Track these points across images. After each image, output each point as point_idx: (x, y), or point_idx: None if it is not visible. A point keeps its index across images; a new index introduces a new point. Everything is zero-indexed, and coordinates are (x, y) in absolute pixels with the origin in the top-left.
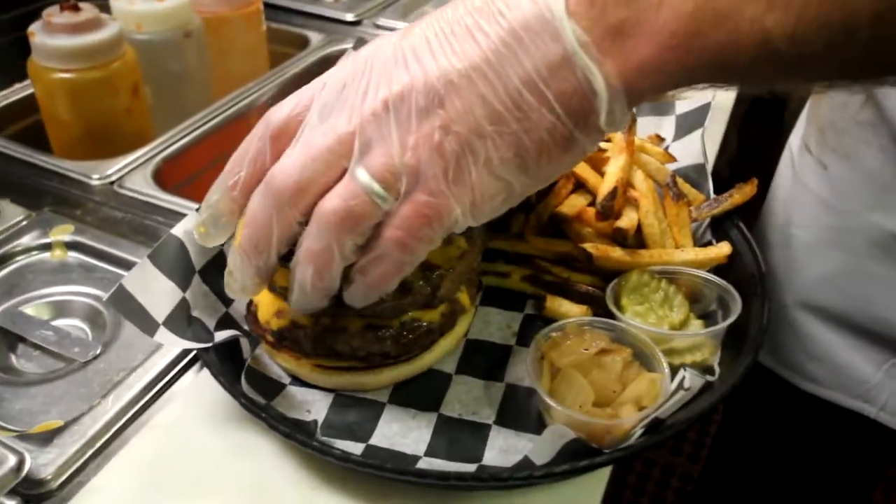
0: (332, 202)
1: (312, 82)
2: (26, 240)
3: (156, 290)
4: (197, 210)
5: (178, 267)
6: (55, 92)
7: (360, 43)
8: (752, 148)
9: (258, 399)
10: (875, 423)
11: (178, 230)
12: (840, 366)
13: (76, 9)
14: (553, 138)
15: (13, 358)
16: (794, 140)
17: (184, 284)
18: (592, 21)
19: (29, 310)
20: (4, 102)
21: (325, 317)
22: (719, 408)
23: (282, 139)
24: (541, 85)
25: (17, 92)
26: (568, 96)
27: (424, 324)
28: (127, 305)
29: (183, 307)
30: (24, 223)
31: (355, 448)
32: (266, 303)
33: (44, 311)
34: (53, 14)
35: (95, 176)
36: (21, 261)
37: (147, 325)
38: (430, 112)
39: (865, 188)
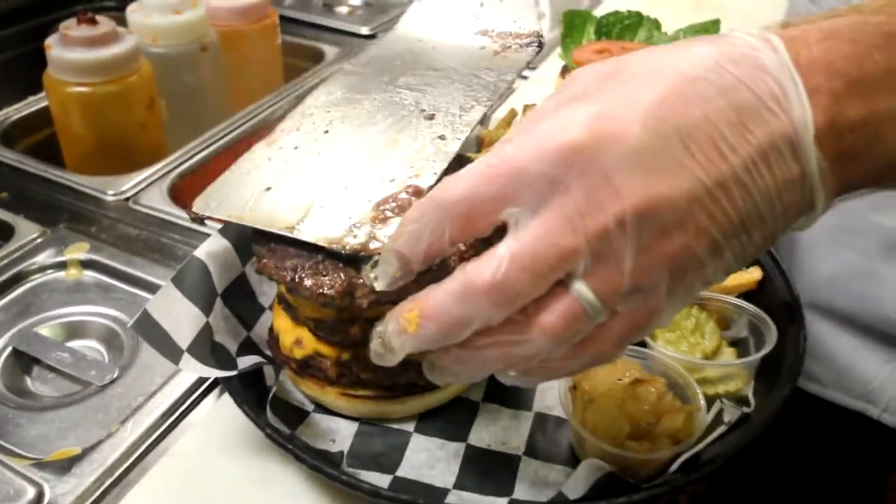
0: (551, 320)
1: (494, 153)
2: (41, 258)
3: (179, 315)
4: (219, 231)
5: (202, 291)
6: (70, 105)
7: None
8: None
9: (283, 429)
10: (878, 424)
11: (201, 252)
12: (843, 366)
13: (93, 22)
14: (763, 244)
15: (28, 381)
16: None
17: (207, 309)
18: (830, 148)
19: (44, 331)
20: (17, 116)
21: (347, 349)
22: None
23: (466, 228)
24: (776, 201)
25: (31, 105)
26: (790, 209)
27: None
28: (151, 332)
29: (206, 333)
30: (39, 241)
31: (382, 480)
32: (286, 330)
33: (59, 331)
34: (70, 27)
35: (111, 192)
36: (36, 280)
37: (171, 352)
38: (672, 232)
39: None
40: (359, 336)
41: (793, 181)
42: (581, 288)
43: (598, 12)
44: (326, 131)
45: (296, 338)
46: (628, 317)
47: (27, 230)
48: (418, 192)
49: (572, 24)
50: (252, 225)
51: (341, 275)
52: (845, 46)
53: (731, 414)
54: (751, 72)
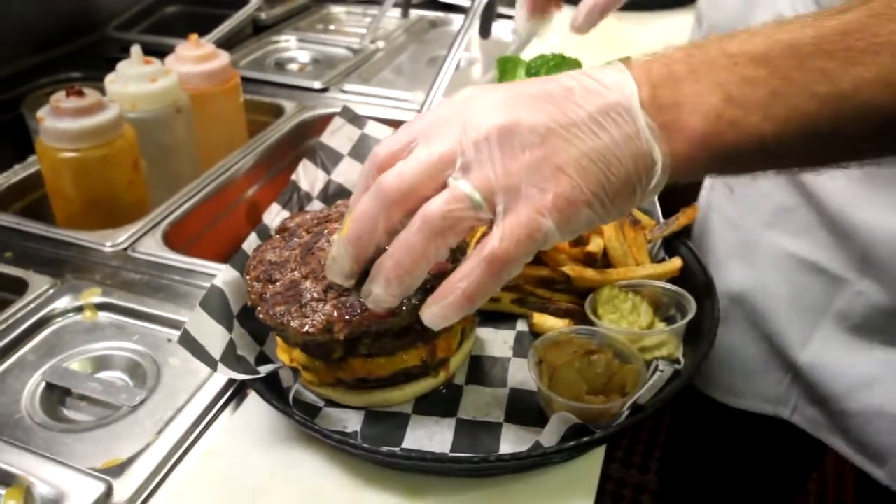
0: (436, 203)
1: (409, 122)
2: (58, 304)
3: (209, 333)
4: (229, 264)
5: (223, 313)
6: (62, 169)
7: (346, 111)
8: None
9: (306, 417)
10: (792, 426)
11: (219, 281)
12: (753, 375)
13: (81, 94)
14: (624, 185)
15: (63, 410)
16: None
17: (229, 327)
18: (654, 114)
19: (72, 366)
20: (7, 183)
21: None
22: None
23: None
24: (622, 145)
25: (17, 173)
26: (637, 158)
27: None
28: (191, 345)
29: (231, 347)
30: (51, 291)
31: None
32: (284, 350)
33: (86, 365)
34: (60, 99)
35: (108, 243)
36: (57, 323)
37: (208, 361)
38: (533, 146)
39: (762, 205)
40: (342, 354)
41: (632, 135)
42: (459, 180)
43: (525, 55)
44: None
45: (293, 357)
46: (517, 216)
47: (40, 283)
48: None
49: (505, 69)
50: None
51: (320, 315)
52: (661, 59)
53: (664, 367)
54: (599, 74)
